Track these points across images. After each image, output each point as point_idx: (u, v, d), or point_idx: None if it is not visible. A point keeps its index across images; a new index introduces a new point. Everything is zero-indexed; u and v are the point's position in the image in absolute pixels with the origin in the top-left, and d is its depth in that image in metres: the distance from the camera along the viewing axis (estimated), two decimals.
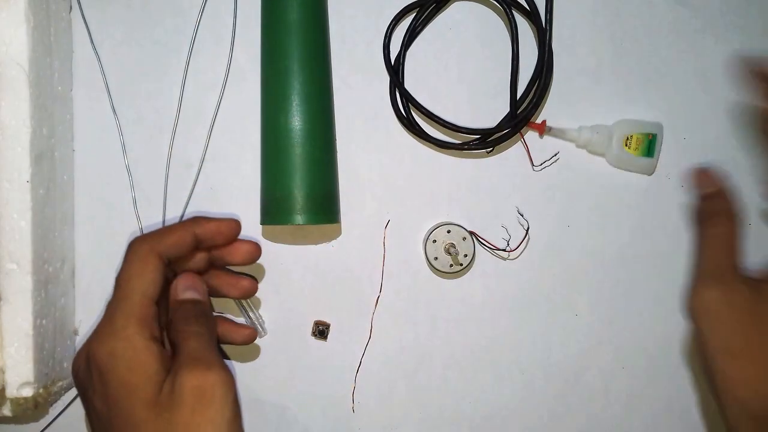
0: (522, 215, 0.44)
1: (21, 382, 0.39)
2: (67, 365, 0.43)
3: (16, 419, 0.43)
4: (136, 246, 0.34)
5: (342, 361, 0.45)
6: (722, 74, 0.45)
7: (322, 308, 0.45)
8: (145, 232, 0.40)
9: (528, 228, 0.44)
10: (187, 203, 0.44)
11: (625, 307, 0.46)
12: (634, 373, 0.46)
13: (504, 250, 0.44)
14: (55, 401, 0.43)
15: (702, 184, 0.36)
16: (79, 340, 0.44)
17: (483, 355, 0.45)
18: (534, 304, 0.45)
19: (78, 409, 0.44)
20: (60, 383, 0.42)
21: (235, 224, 0.36)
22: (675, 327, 0.46)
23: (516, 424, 0.46)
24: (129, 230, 0.44)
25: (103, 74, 0.43)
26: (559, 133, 0.44)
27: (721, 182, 0.36)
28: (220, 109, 0.44)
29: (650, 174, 0.45)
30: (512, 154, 0.45)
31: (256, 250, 0.37)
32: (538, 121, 0.44)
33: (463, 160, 0.45)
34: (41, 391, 0.40)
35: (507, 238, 0.44)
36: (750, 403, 0.32)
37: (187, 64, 0.44)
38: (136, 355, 0.31)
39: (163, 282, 0.34)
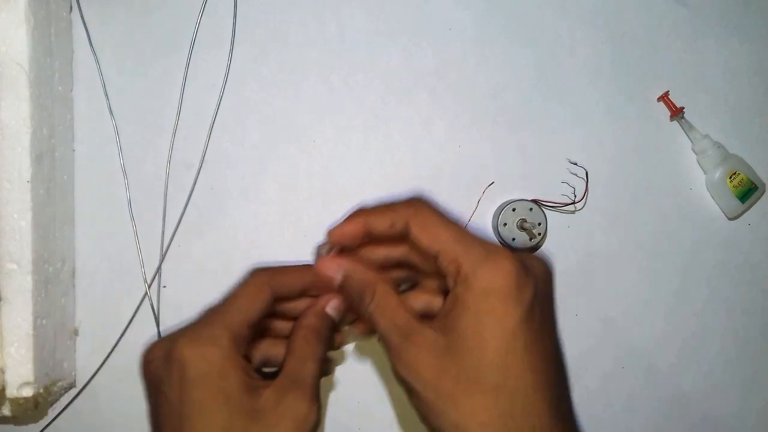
0: (576, 164, 0.44)
1: (21, 382, 0.39)
2: (67, 365, 0.43)
3: (16, 419, 0.43)
4: (256, 273, 0.34)
5: (341, 360, 0.45)
6: (722, 75, 0.45)
7: None
8: (138, 234, 0.39)
9: (587, 173, 0.44)
10: (187, 203, 0.44)
11: (625, 307, 0.46)
12: (634, 373, 0.46)
13: (573, 203, 0.44)
14: (56, 401, 0.43)
15: (328, 275, 0.35)
16: (80, 340, 0.44)
17: None
18: None
19: (78, 409, 0.44)
20: (60, 383, 0.42)
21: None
22: (675, 327, 0.46)
23: None
24: (129, 230, 0.44)
25: (101, 74, 0.43)
26: (686, 126, 0.45)
27: (341, 262, 0.34)
28: (220, 109, 0.44)
29: (729, 217, 0.46)
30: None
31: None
32: (678, 104, 0.44)
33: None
34: (41, 391, 0.40)
35: (572, 189, 0.44)
36: None
37: (187, 65, 0.44)
38: (229, 364, 0.31)
39: (265, 314, 0.34)
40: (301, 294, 0.36)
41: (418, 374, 0.31)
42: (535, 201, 0.43)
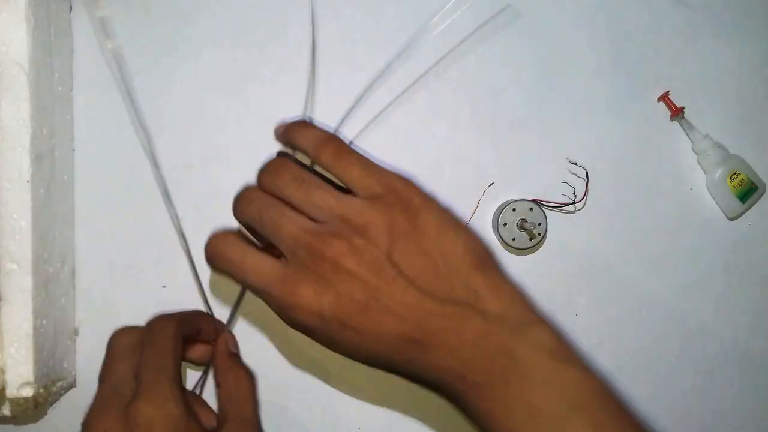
0: (576, 164, 0.44)
1: (21, 382, 0.39)
2: (67, 365, 0.43)
3: (16, 419, 0.43)
4: (164, 323, 0.37)
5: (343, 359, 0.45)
6: (722, 75, 0.45)
7: None
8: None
9: (587, 173, 0.44)
10: (187, 204, 0.44)
11: (625, 307, 0.46)
12: (634, 373, 0.46)
13: (573, 203, 0.44)
14: (55, 401, 0.43)
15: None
16: (80, 340, 0.44)
17: None
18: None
19: (77, 408, 0.44)
20: (60, 383, 0.42)
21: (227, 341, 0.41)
22: (675, 327, 0.46)
23: None
24: (129, 230, 0.44)
25: (119, 68, 0.43)
26: (686, 126, 0.45)
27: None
28: (220, 109, 0.44)
29: (729, 217, 0.46)
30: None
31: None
32: (678, 104, 0.44)
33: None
34: (41, 391, 0.40)
35: (572, 189, 0.44)
36: None
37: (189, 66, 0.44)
38: (189, 417, 0.33)
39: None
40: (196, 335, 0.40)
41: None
42: (535, 201, 0.43)
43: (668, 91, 0.45)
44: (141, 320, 0.44)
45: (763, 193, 0.45)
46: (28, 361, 0.39)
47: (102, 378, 0.36)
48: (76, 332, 0.44)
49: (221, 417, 0.37)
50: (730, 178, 0.44)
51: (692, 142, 0.45)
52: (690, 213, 0.46)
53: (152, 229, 0.44)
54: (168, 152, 0.44)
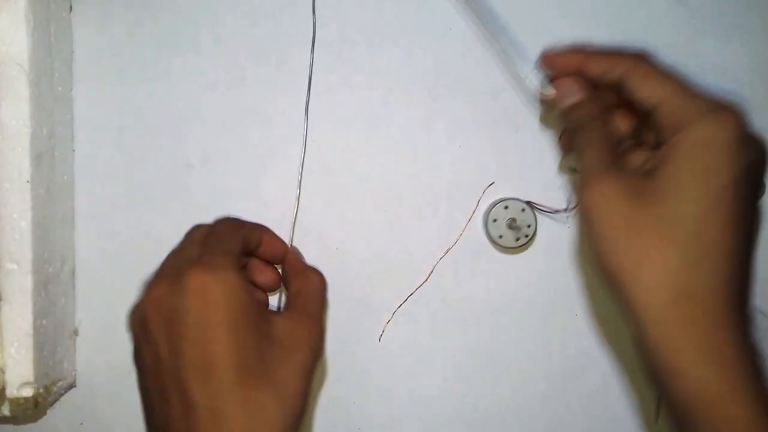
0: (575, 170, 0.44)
1: (21, 382, 0.39)
2: (67, 365, 0.43)
3: (16, 419, 0.43)
4: (231, 219, 0.38)
5: (343, 359, 0.45)
6: (722, 75, 0.45)
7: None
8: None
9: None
10: (187, 204, 0.44)
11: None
12: (634, 373, 0.46)
13: (565, 210, 0.44)
14: (56, 401, 0.43)
15: (563, 94, 0.36)
16: (80, 340, 0.44)
17: (483, 355, 0.45)
18: (534, 304, 0.45)
19: (76, 409, 0.44)
20: (60, 383, 0.42)
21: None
22: None
23: (516, 424, 0.46)
24: (129, 230, 0.44)
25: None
26: None
27: (581, 87, 0.35)
28: (220, 109, 0.44)
29: None
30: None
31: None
32: None
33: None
34: (41, 391, 0.40)
35: (567, 196, 0.44)
36: (653, 304, 0.29)
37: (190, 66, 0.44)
38: (245, 288, 0.32)
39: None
40: (254, 250, 0.39)
41: (608, 209, 0.30)
42: (528, 203, 0.43)
43: None
44: None
45: (763, 193, 0.45)
46: (28, 361, 0.39)
47: (166, 257, 0.36)
48: (76, 332, 0.44)
49: (285, 309, 0.37)
50: None
51: None
52: None
53: (152, 229, 0.44)
54: (168, 152, 0.44)
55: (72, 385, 0.44)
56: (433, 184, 0.45)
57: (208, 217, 0.44)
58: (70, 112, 0.43)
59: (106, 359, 0.44)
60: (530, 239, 0.43)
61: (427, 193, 0.45)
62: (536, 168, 0.45)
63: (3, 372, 0.39)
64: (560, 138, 0.41)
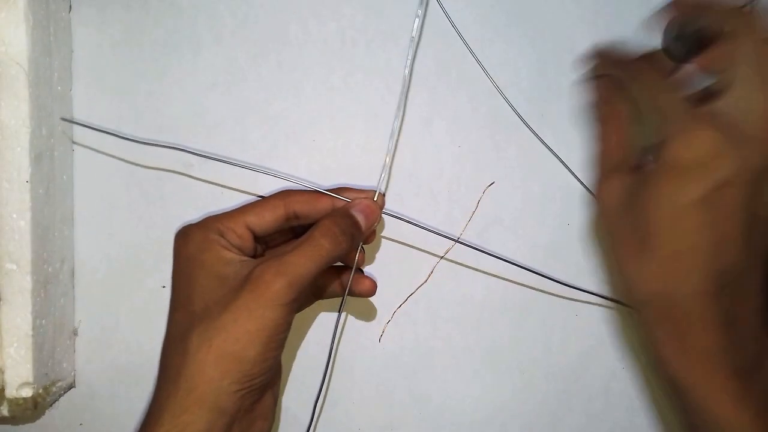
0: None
1: (20, 383, 0.39)
2: (67, 365, 0.43)
3: (15, 420, 0.43)
4: (279, 192, 0.38)
5: (343, 359, 0.45)
6: None
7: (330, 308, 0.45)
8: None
9: None
10: (187, 204, 0.44)
11: (624, 308, 0.46)
12: (634, 373, 0.46)
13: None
14: (55, 401, 0.43)
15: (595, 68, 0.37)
16: (79, 340, 0.44)
17: (483, 355, 0.45)
18: (534, 304, 0.45)
19: (75, 409, 0.44)
20: (59, 383, 0.42)
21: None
22: None
23: (516, 424, 0.46)
24: (129, 230, 0.44)
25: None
26: None
27: (610, 61, 0.36)
28: (220, 109, 0.44)
29: None
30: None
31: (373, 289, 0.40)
32: None
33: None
34: (41, 391, 0.40)
35: None
36: (655, 302, 0.31)
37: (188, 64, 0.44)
38: (208, 242, 0.35)
39: (275, 228, 0.37)
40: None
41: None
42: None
43: None
44: (141, 320, 0.44)
45: None
46: (28, 361, 0.39)
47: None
48: (75, 332, 0.44)
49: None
50: None
51: None
52: None
53: (152, 229, 0.44)
54: (168, 152, 0.44)
55: (71, 386, 0.44)
56: (433, 184, 0.45)
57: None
58: (69, 112, 0.43)
59: (105, 359, 0.44)
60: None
61: (427, 193, 0.45)
62: (536, 167, 0.45)
63: (2, 372, 0.39)
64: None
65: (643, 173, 0.33)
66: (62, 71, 0.42)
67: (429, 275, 0.45)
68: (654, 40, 0.38)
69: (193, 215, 0.43)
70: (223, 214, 0.36)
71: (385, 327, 0.45)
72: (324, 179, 0.44)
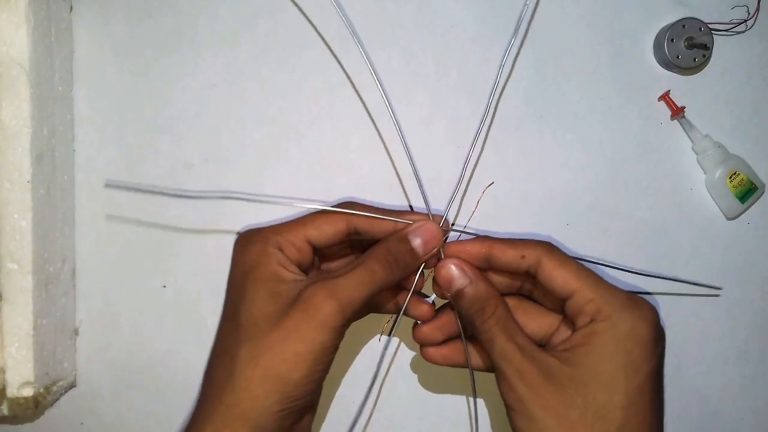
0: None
1: (21, 382, 0.39)
2: (68, 365, 0.43)
3: (16, 419, 0.43)
4: (343, 204, 0.37)
5: (343, 359, 0.45)
6: (722, 74, 0.45)
7: None
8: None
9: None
10: (187, 203, 0.44)
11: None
12: None
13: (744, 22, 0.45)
14: (56, 401, 0.43)
15: (453, 276, 0.35)
16: (80, 340, 0.44)
17: None
18: None
19: (76, 408, 0.44)
20: (60, 383, 0.42)
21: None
22: (674, 326, 0.46)
23: None
24: (129, 230, 0.44)
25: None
26: (686, 126, 0.45)
27: (470, 269, 0.35)
28: (220, 109, 0.44)
29: (729, 217, 0.46)
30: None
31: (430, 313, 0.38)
32: (679, 103, 0.45)
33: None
34: (42, 390, 0.40)
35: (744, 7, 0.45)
36: None
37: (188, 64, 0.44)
38: (266, 257, 0.34)
39: (335, 242, 0.36)
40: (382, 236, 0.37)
41: (540, 399, 0.31)
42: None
43: (668, 91, 0.45)
44: (141, 320, 0.44)
45: (763, 193, 0.45)
46: (29, 360, 0.39)
47: None
48: (76, 332, 0.44)
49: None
50: (730, 178, 0.44)
51: (692, 142, 0.45)
52: (689, 212, 0.46)
53: (152, 229, 0.44)
54: (168, 152, 0.44)
55: (72, 385, 0.44)
56: (433, 184, 0.45)
57: (208, 217, 0.44)
58: (70, 113, 0.43)
59: (106, 359, 0.44)
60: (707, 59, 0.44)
61: (427, 192, 0.45)
62: (536, 167, 0.45)
63: (3, 372, 0.39)
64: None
65: (576, 352, 0.33)
66: (63, 72, 0.42)
67: (429, 275, 0.45)
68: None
69: (194, 215, 0.44)
70: (284, 225, 0.36)
71: (384, 327, 0.45)
72: (324, 179, 0.44)
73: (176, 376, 0.44)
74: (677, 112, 0.45)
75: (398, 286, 0.38)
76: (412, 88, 0.44)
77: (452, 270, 0.35)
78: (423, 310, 0.38)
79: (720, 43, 0.45)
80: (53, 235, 0.41)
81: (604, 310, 0.32)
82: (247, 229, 0.36)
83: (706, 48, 0.43)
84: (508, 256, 0.35)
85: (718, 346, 0.46)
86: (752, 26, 0.45)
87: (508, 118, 0.45)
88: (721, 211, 0.45)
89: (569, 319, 0.34)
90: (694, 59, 0.44)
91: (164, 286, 0.44)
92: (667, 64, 0.44)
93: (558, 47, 0.44)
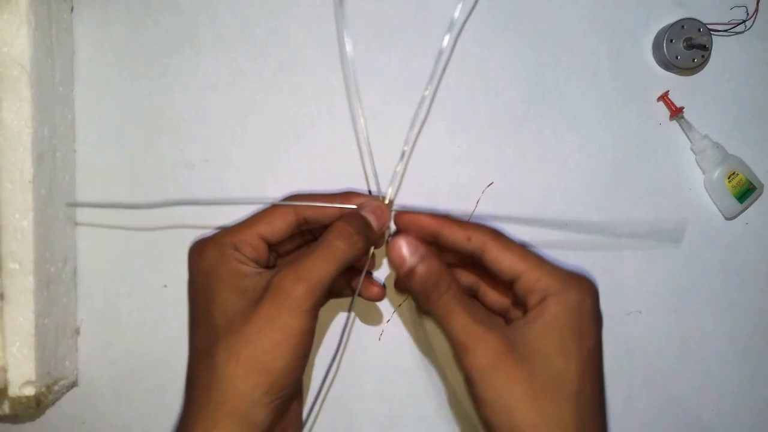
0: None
1: (23, 381, 0.39)
2: (69, 364, 0.43)
3: (18, 418, 0.43)
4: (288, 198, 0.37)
5: (343, 359, 0.45)
6: (722, 74, 0.45)
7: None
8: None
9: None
10: (188, 203, 0.44)
11: (623, 307, 0.46)
12: (633, 373, 0.46)
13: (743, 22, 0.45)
14: (57, 400, 0.44)
15: (407, 251, 0.35)
16: (81, 339, 0.44)
17: None
18: None
19: (78, 407, 0.44)
20: (62, 382, 0.42)
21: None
22: (673, 326, 0.46)
23: None
24: (130, 230, 0.44)
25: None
26: (685, 126, 0.45)
27: (420, 252, 0.35)
28: (220, 109, 0.44)
29: (727, 217, 0.46)
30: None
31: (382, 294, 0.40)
32: (678, 104, 0.45)
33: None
34: (43, 390, 0.40)
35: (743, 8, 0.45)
36: None
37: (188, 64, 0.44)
38: (223, 257, 0.34)
39: (287, 235, 0.36)
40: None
41: (504, 368, 0.32)
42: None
43: (668, 91, 0.45)
44: (142, 320, 0.44)
45: (761, 193, 0.46)
46: (30, 360, 0.39)
47: None
48: (77, 331, 0.44)
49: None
50: (729, 178, 0.44)
51: (691, 142, 0.45)
52: (688, 212, 0.46)
53: (153, 229, 0.44)
54: (168, 152, 0.44)
55: (74, 384, 0.44)
56: (433, 184, 0.45)
57: (207, 217, 0.44)
58: (71, 113, 0.44)
59: (107, 358, 0.44)
60: (705, 60, 0.44)
61: (427, 193, 0.45)
62: (536, 167, 0.45)
63: (5, 371, 0.39)
64: (395, 284, 0.40)
65: (529, 328, 0.34)
66: (64, 72, 0.42)
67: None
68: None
69: (194, 215, 0.44)
70: (235, 226, 0.36)
71: (384, 327, 0.45)
72: (324, 179, 0.44)
73: (177, 376, 0.44)
74: (676, 113, 0.45)
75: (351, 269, 0.39)
76: (411, 88, 0.44)
77: (403, 249, 0.35)
78: (374, 291, 0.39)
79: (719, 44, 0.45)
80: (54, 235, 0.41)
81: (553, 286, 0.33)
82: (200, 238, 0.36)
83: (704, 48, 0.44)
84: (456, 235, 0.35)
85: (718, 346, 0.46)
86: (751, 27, 0.45)
87: (508, 118, 0.45)
88: (720, 211, 0.45)
89: (519, 300, 0.34)
90: (693, 60, 0.44)
91: (165, 286, 0.44)
92: (666, 64, 0.44)
93: (558, 47, 0.45)
